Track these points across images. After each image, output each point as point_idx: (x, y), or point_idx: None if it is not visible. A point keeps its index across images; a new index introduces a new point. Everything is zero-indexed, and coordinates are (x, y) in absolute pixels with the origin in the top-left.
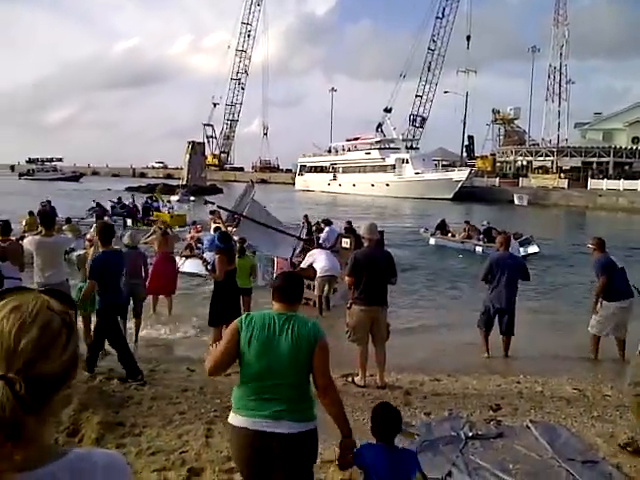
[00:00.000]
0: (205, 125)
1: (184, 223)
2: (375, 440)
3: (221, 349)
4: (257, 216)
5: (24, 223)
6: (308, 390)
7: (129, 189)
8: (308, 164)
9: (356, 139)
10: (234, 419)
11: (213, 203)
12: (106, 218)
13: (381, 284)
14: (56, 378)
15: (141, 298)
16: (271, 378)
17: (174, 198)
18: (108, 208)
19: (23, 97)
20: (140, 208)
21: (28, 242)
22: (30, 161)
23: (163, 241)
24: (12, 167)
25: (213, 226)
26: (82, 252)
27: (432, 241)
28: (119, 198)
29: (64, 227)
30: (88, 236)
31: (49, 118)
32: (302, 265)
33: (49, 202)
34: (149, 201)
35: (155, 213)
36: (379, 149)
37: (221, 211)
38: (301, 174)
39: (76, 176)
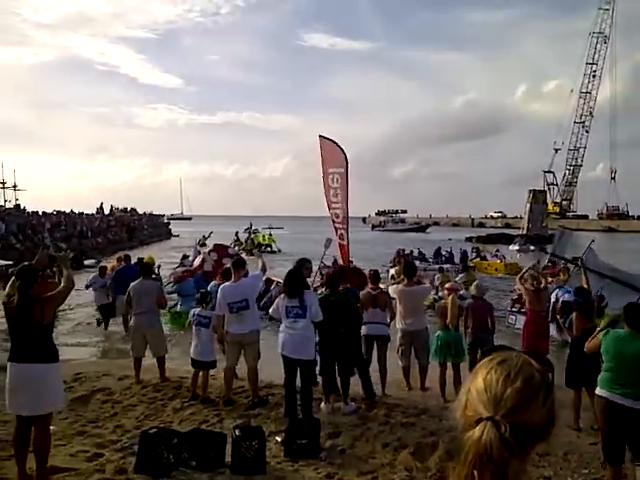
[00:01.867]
0: (545, 172)
1: (518, 271)
2: None
3: None
4: (591, 264)
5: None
6: None
7: (468, 239)
8: None
9: None
10: None
11: (558, 256)
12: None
13: None
14: (535, 429)
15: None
16: None
17: (513, 247)
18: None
19: (371, 154)
20: (458, 256)
21: (392, 290)
22: (379, 213)
23: (535, 298)
24: (364, 219)
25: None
26: (441, 301)
27: None
28: (438, 247)
29: (436, 276)
30: (447, 285)
31: (393, 173)
32: None
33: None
34: (475, 250)
35: (485, 262)
36: None
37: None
38: None
39: (423, 227)
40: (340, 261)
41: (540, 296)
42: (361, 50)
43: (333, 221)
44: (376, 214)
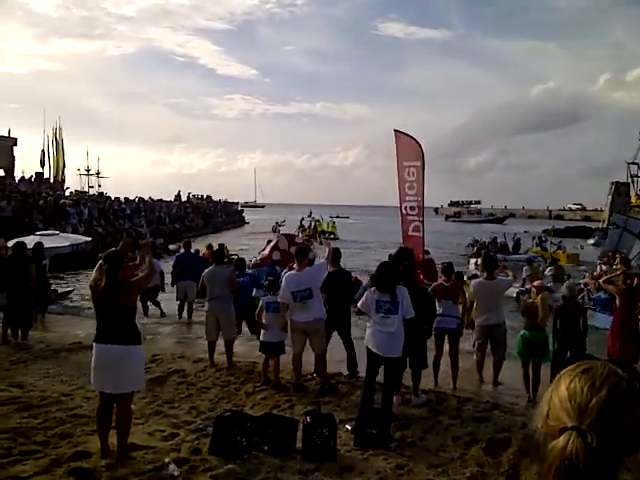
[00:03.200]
0: (629, 164)
1: (578, 263)
2: None
3: None
4: None
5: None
6: None
7: (544, 232)
8: None
9: None
10: None
11: None
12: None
13: None
14: (624, 440)
15: None
16: None
17: (590, 241)
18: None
19: (444, 145)
20: (511, 244)
21: (473, 285)
22: (452, 204)
23: (627, 297)
24: (436, 210)
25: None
26: (526, 298)
27: None
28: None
29: (524, 268)
30: (536, 283)
31: (466, 163)
32: None
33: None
34: (542, 238)
35: (552, 252)
36: None
37: None
38: None
39: (501, 218)
40: (416, 253)
41: (632, 295)
42: (438, 39)
43: (407, 213)
44: (449, 205)
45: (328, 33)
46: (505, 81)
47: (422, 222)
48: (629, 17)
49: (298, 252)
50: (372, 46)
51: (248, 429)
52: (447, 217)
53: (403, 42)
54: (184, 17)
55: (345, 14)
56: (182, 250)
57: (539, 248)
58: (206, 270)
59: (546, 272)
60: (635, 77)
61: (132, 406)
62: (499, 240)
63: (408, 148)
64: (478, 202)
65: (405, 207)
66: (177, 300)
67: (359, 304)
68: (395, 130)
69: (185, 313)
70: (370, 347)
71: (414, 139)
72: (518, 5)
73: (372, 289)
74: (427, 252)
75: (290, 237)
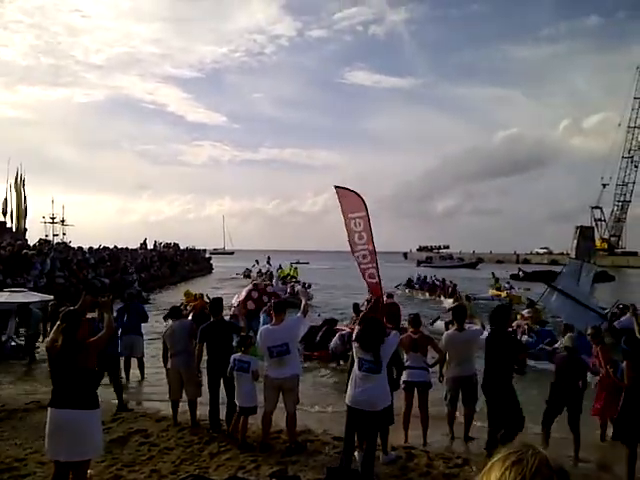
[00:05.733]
0: (593, 208)
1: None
2: None
3: None
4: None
5: None
6: None
7: (513, 276)
8: None
9: None
10: None
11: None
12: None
13: None
14: None
15: None
16: None
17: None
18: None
19: (412, 190)
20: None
21: (444, 337)
22: (421, 249)
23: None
24: (405, 254)
25: None
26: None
27: None
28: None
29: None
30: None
31: (434, 208)
32: None
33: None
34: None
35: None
36: None
37: None
38: None
39: (474, 263)
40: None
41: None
42: (405, 87)
43: (360, 262)
44: (418, 250)
45: (296, 82)
46: (471, 127)
47: (376, 268)
48: (587, 65)
49: (276, 306)
50: (340, 94)
51: None
52: (419, 262)
53: (370, 90)
54: (153, 65)
55: (313, 63)
56: (124, 303)
57: (495, 290)
58: (168, 325)
59: (524, 313)
60: (595, 123)
61: (89, 471)
62: (428, 280)
63: (350, 201)
64: (447, 247)
65: (358, 257)
66: (121, 356)
67: (331, 345)
68: (335, 186)
69: (137, 370)
70: (349, 403)
71: (355, 192)
72: (482, 54)
73: (356, 344)
74: (391, 296)
75: (261, 287)
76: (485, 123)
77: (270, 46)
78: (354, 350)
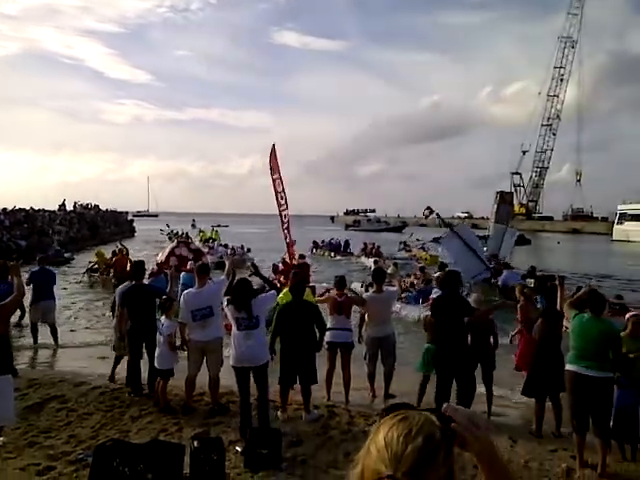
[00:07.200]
0: (513, 174)
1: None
2: None
3: None
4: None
5: None
6: None
7: (435, 239)
8: (630, 212)
9: None
10: None
11: None
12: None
13: None
14: None
15: None
16: None
17: None
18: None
19: (340, 154)
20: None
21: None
22: (347, 212)
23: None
24: (332, 218)
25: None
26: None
27: None
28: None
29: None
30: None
31: (360, 172)
32: None
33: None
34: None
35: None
36: None
37: None
38: (620, 223)
39: (400, 227)
40: (287, 258)
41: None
42: (334, 50)
43: (282, 223)
44: (345, 213)
45: (224, 40)
46: (398, 92)
47: (288, 230)
48: (512, 34)
49: (200, 268)
50: (270, 54)
51: (131, 457)
52: (347, 226)
53: (300, 51)
54: (72, 18)
55: (242, 21)
56: (37, 267)
57: (404, 251)
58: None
59: (434, 274)
60: (517, 91)
61: (2, 438)
62: (333, 240)
63: (273, 162)
64: (373, 210)
65: (283, 216)
66: (31, 322)
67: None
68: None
69: (43, 337)
70: (235, 364)
71: (273, 153)
72: (416, 20)
73: (230, 306)
74: (303, 256)
75: (186, 243)
76: (413, 89)
77: (196, 2)
78: (229, 314)
